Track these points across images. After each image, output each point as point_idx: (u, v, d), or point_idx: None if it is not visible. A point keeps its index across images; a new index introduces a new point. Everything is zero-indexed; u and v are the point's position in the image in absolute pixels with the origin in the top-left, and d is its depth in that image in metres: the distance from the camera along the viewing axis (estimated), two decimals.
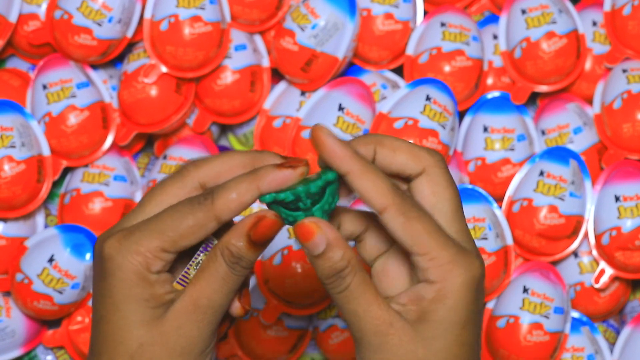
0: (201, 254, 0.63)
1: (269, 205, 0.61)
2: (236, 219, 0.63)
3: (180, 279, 0.63)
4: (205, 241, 0.64)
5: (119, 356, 0.62)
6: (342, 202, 0.65)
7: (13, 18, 1.10)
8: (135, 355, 0.62)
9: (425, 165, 0.62)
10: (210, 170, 0.63)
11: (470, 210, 1.05)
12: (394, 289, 0.64)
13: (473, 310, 0.61)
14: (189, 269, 0.63)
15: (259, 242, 0.61)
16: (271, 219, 0.60)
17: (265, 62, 1.13)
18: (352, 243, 0.65)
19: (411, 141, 0.63)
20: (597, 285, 1.08)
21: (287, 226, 0.63)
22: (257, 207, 1.03)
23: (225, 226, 0.64)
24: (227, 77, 1.11)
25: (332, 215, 0.64)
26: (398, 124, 1.05)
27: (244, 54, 1.12)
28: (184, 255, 0.64)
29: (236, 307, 0.65)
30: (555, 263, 1.09)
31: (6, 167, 1.04)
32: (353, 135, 1.07)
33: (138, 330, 0.61)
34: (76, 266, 1.04)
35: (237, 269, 0.61)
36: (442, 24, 1.11)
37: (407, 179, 0.63)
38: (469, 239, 0.63)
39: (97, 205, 1.09)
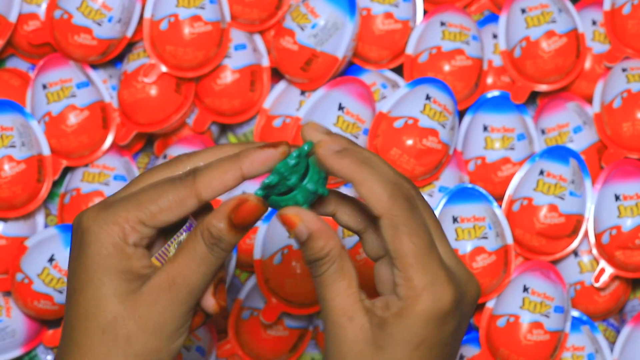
0: (183, 234, 0.63)
1: (265, 198, 0.62)
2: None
3: (159, 254, 0.63)
4: (187, 222, 0.64)
5: (92, 329, 0.61)
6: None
7: (13, 18, 1.10)
8: (109, 328, 0.61)
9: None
10: (201, 160, 0.63)
11: (470, 209, 1.05)
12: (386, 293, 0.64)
13: (433, 336, 0.61)
14: (169, 246, 0.63)
15: (240, 225, 0.61)
16: (253, 203, 0.60)
17: (265, 62, 1.13)
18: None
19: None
20: (597, 284, 1.08)
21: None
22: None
23: (206, 210, 0.64)
24: (227, 77, 1.11)
25: (328, 199, 0.65)
26: (398, 123, 1.05)
27: (243, 53, 1.12)
28: (163, 236, 0.64)
29: (211, 304, 0.64)
30: (555, 262, 1.09)
31: (6, 166, 1.04)
32: (353, 135, 1.07)
33: (112, 302, 0.61)
34: None
35: (216, 251, 0.61)
36: (442, 24, 1.11)
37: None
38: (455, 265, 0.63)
39: None
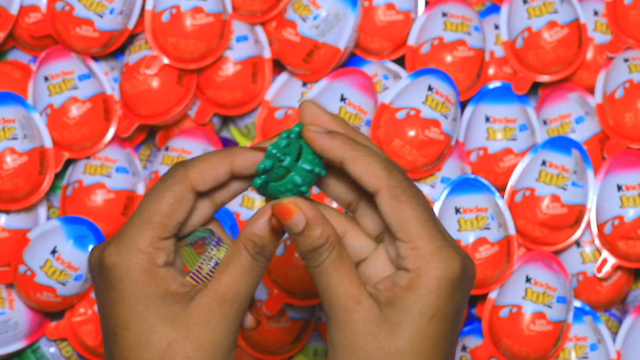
0: (213, 250, 0.64)
1: (264, 187, 0.62)
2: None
3: (193, 273, 0.63)
4: (211, 237, 0.64)
5: (149, 359, 0.61)
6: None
7: (14, 10, 1.10)
8: (166, 354, 0.61)
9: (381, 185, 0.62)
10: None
11: (473, 200, 1.05)
12: (378, 278, 0.64)
13: (445, 305, 0.60)
14: (202, 264, 0.63)
15: (280, 229, 0.61)
16: (287, 203, 0.61)
17: (267, 53, 1.13)
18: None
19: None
20: (599, 275, 1.08)
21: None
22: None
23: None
24: (229, 69, 1.11)
25: (323, 179, 0.65)
26: (400, 114, 1.05)
27: (245, 45, 1.12)
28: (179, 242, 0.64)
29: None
30: (557, 253, 1.10)
31: (8, 159, 1.04)
32: (356, 126, 1.07)
33: (163, 328, 0.61)
34: (79, 258, 1.04)
35: (260, 260, 0.62)
36: (444, 14, 1.11)
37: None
38: (451, 239, 0.63)
39: (99, 197, 1.09)
